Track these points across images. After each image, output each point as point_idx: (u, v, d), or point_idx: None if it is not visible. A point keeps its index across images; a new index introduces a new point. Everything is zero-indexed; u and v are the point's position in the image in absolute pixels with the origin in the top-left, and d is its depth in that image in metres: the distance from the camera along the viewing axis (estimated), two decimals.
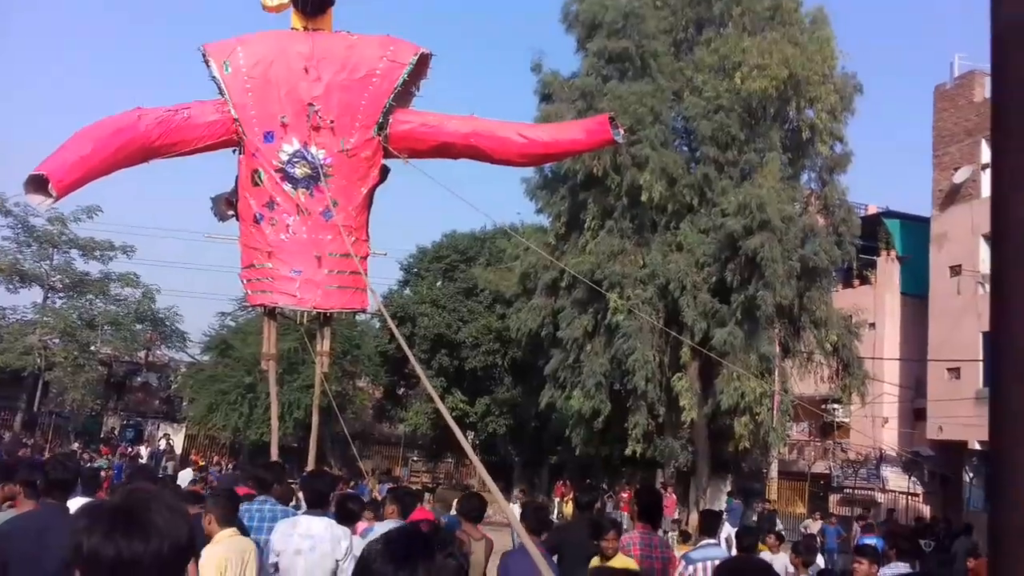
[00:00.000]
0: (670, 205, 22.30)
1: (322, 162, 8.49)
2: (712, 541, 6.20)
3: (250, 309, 22.56)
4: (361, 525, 7.75)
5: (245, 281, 8.95)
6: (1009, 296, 0.88)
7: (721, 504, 22.95)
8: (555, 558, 6.07)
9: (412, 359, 6.76)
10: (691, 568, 6.19)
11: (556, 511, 23.87)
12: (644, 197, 21.54)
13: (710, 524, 6.30)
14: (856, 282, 29.68)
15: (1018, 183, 0.88)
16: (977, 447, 23.64)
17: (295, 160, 8.45)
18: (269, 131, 8.25)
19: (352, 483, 17.34)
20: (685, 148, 24.54)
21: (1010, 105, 0.91)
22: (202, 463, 28.86)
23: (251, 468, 6.55)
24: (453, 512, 11.92)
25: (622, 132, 8.75)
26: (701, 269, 21.57)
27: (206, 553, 4.91)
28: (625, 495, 24.08)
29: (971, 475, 24.09)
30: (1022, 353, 0.86)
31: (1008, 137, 0.91)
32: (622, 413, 22.12)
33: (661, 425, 22.64)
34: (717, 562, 6.19)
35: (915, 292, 27.32)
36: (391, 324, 7.34)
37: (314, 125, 8.29)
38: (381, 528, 6.14)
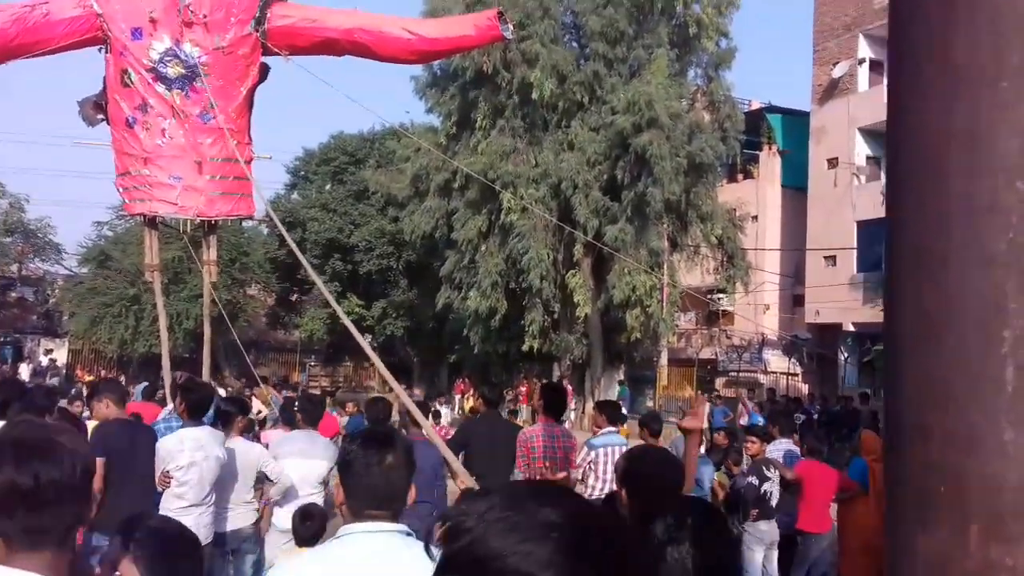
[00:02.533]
0: (561, 103, 22.25)
1: (197, 60, 8.05)
2: (613, 429, 6.48)
3: (128, 218, 21.61)
4: (275, 434, 7.75)
5: (121, 189, 8.53)
6: (900, 184, 0.91)
7: (614, 393, 23.89)
8: (462, 455, 6.23)
9: (304, 262, 6.67)
10: (593, 454, 6.47)
11: (457, 408, 24.36)
12: (535, 95, 21.39)
13: (611, 413, 6.58)
14: (740, 176, 30.55)
15: (913, 77, 0.89)
16: (851, 328, 25.19)
17: (167, 59, 7.98)
18: (137, 27, 7.75)
19: (250, 392, 17.13)
20: (575, 44, 24.33)
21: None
22: (88, 378, 27.99)
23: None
24: (353, 412, 12.01)
25: (511, 28, 8.56)
26: (592, 167, 21.74)
27: None
28: (524, 389, 24.74)
29: (845, 355, 25.72)
30: (913, 248, 0.89)
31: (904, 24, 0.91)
32: (518, 310, 22.48)
33: (556, 321, 23.15)
34: (618, 448, 6.51)
35: (795, 185, 28.35)
36: (281, 228, 7.18)
37: (185, 21, 7.83)
38: (295, 436, 6.14)
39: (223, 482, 5.47)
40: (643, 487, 2.51)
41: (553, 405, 6.13)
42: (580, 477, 6.55)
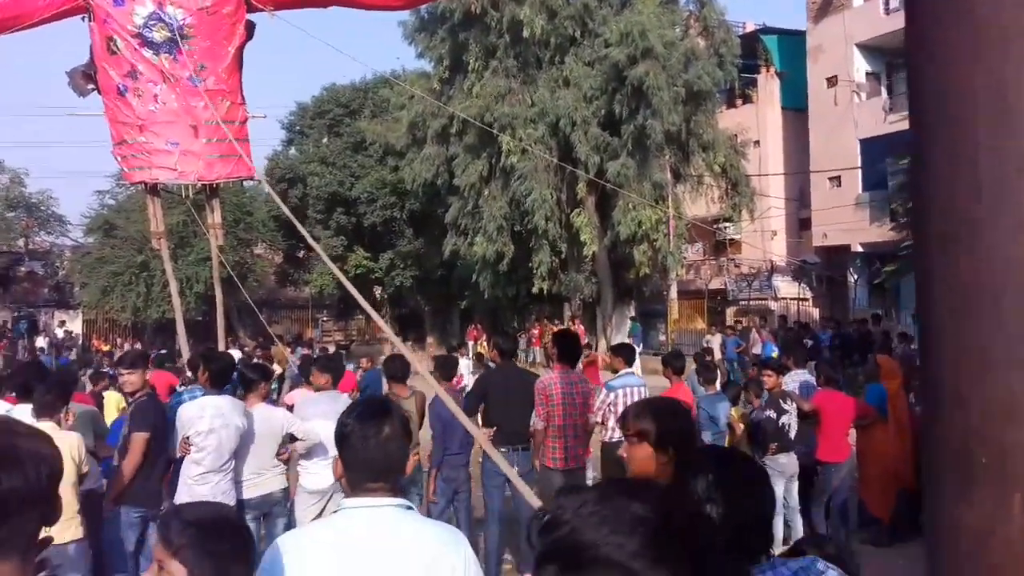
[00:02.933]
0: (553, 39, 21.86)
1: (181, 23, 7.91)
2: (630, 370, 6.59)
3: (129, 186, 21.52)
4: (298, 394, 7.81)
5: (119, 158, 8.44)
6: (926, 149, 0.87)
7: (626, 330, 23.98)
8: (480, 406, 6.30)
9: (295, 223, 6.61)
10: (612, 395, 6.59)
11: (471, 353, 24.47)
12: (526, 32, 21.02)
13: (627, 355, 6.69)
14: (739, 101, 30.13)
15: None
16: (859, 249, 25.08)
17: (151, 23, 7.84)
18: None
19: (265, 352, 17.26)
20: None
21: None
22: (106, 348, 28.22)
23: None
24: (368, 367, 12.09)
25: None
26: (589, 103, 21.46)
27: None
28: (536, 331, 24.84)
29: (855, 276, 25.66)
30: (943, 215, 0.86)
31: None
32: (525, 253, 22.44)
33: (564, 261, 23.12)
34: (635, 389, 6.60)
35: (795, 106, 27.94)
36: (272, 192, 7.13)
37: None
38: (320, 398, 6.16)
39: (248, 449, 5.54)
40: (677, 443, 2.50)
41: (567, 352, 6.16)
42: (600, 420, 6.63)
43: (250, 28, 8.39)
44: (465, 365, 10.45)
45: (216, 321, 9.78)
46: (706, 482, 1.88)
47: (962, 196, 0.82)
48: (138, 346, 28.86)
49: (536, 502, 2.54)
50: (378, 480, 2.15)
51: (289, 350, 18.59)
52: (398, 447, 2.20)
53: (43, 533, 1.48)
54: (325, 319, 38.22)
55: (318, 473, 5.83)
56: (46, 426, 4.97)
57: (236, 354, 15.21)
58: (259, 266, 33.46)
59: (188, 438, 5.34)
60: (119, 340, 30.96)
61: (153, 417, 5.57)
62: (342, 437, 2.21)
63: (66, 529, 4.80)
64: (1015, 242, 0.79)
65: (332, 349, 28.06)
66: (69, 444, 4.88)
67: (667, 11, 21.91)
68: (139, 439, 5.41)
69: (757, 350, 19.18)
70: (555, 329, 24.02)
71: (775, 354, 15.41)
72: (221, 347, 9.84)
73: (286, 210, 6.00)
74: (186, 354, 9.32)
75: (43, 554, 1.46)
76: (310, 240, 5.81)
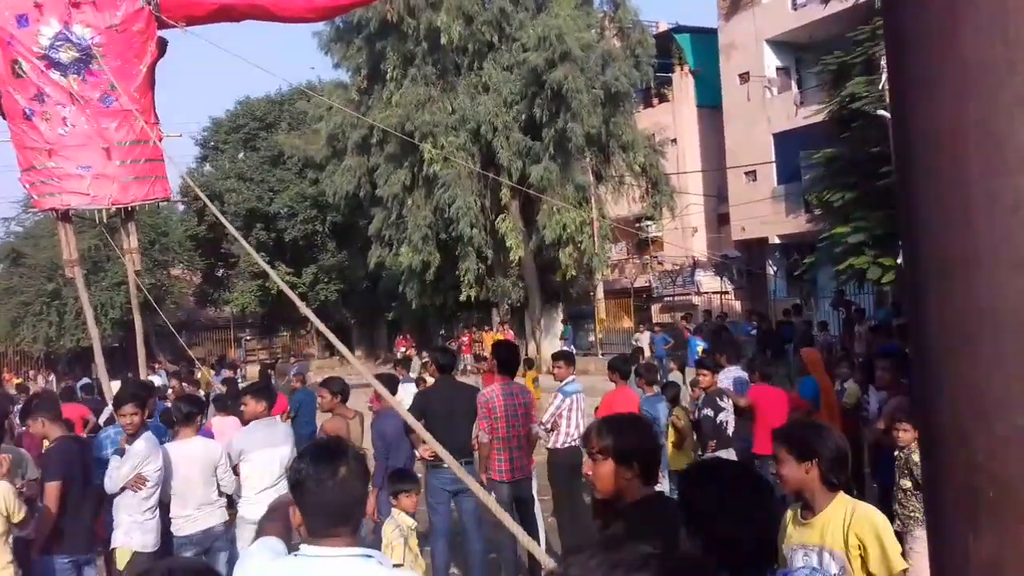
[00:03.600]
0: (471, 45, 21.87)
1: (90, 42, 7.65)
2: (573, 376, 6.71)
3: (37, 212, 20.70)
4: (222, 423, 7.58)
5: (28, 185, 8.11)
6: (914, 188, 0.87)
7: (555, 331, 24.12)
8: (421, 422, 6.23)
9: (233, 231, 6.45)
10: (568, 400, 6.69)
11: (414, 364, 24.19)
12: (444, 39, 20.98)
13: (570, 361, 6.83)
14: (655, 101, 30.66)
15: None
16: (777, 241, 25.77)
17: (58, 43, 7.57)
18: (22, 14, 7.31)
19: (191, 374, 16.79)
20: None
21: None
22: (17, 381, 27.04)
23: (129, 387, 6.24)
24: (299, 386, 11.85)
25: None
26: (510, 108, 21.54)
27: None
28: (465, 339, 24.78)
29: (774, 268, 26.34)
30: (936, 255, 0.86)
31: None
32: (452, 261, 22.37)
33: (491, 267, 23.12)
34: (580, 395, 6.76)
35: (710, 103, 28.55)
36: (203, 198, 6.92)
37: (72, 2, 7.42)
38: (256, 426, 5.96)
39: (189, 483, 5.39)
40: (640, 458, 2.54)
41: (507, 364, 6.16)
42: (550, 427, 6.66)
43: (162, 45, 8.19)
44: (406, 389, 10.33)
45: (135, 347, 9.46)
46: (714, 498, 1.89)
47: (955, 235, 0.83)
48: (52, 378, 27.78)
49: (506, 519, 2.52)
50: (338, 524, 2.07)
51: (212, 373, 18.12)
52: (356, 487, 2.12)
53: None
54: (248, 338, 37.39)
55: (259, 503, 5.68)
56: None
57: (159, 380, 14.77)
58: (177, 288, 32.59)
59: (142, 474, 5.18)
60: (31, 372, 29.68)
61: (64, 463, 5.24)
62: (296, 483, 2.11)
63: None
64: (1012, 279, 0.79)
65: (257, 369, 27.50)
66: (1, 494, 4.67)
67: (582, 13, 22.15)
68: (51, 489, 5.12)
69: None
70: (486, 335, 24.09)
71: (701, 349, 15.71)
72: (142, 374, 9.52)
73: (218, 215, 5.80)
74: (105, 383, 9.02)
75: None
76: (244, 243, 5.66)
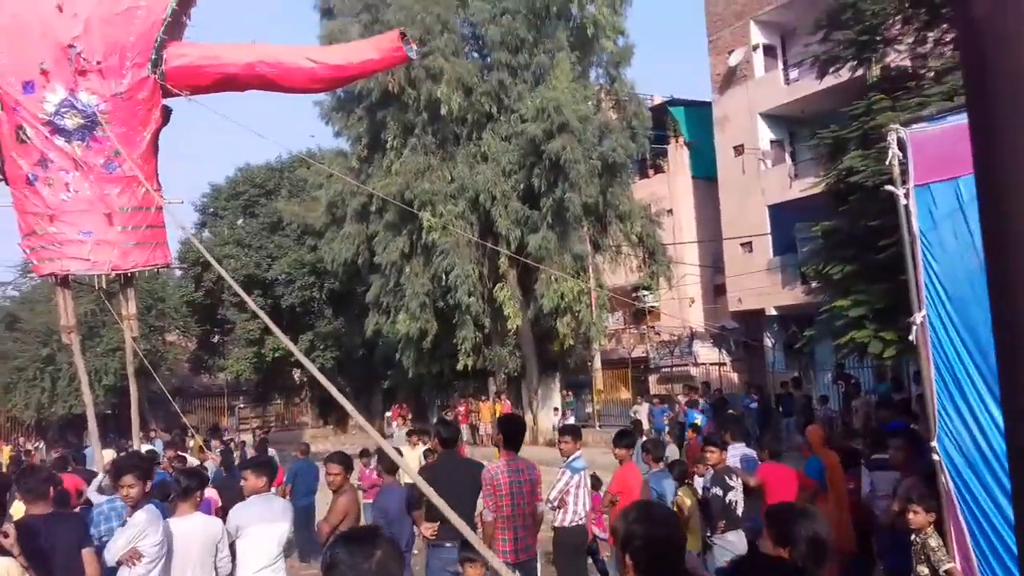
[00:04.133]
0: (470, 115, 22.17)
1: (95, 109, 7.68)
2: (580, 452, 6.60)
3: (33, 276, 20.62)
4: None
5: (28, 250, 8.07)
6: (1005, 219, 0.80)
7: (554, 401, 23.88)
8: (423, 499, 6.06)
9: (240, 291, 6.34)
10: (576, 477, 6.53)
11: (395, 435, 23.95)
12: (444, 110, 21.26)
13: (577, 436, 6.71)
14: (651, 172, 30.97)
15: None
16: (773, 312, 25.72)
17: (63, 110, 7.60)
18: (28, 81, 7.34)
19: (185, 441, 16.50)
20: (476, 55, 24.32)
21: None
22: (8, 449, 26.56)
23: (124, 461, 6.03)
24: (300, 457, 11.63)
25: (415, 48, 8.40)
26: (508, 177, 21.72)
27: None
28: (462, 409, 24.52)
29: (771, 340, 26.25)
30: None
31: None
32: (449, 329, 22.26)
33: (488, 336, 23.02)
34: (587, 472, 6.60)
35: (705, 175, 28.82)
36: (209, 257, 6.81)
37: (79, 69, 7.45)
38: (253, 501, 5.76)
39: (186, 562, 5.17)
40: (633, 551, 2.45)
41: (512, 438, 6.00)
42: (557, 504, 6.47)
43: (166, 113, 8.24)
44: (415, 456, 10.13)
45: (128, 414, 9.29)
46: None
47: None
48: (41, 445, 27.32)
49: None
50: None
51: (208, 450, 17.81)
52: (395, 571, 2.07)
53: None
54: (242, 406, 37.01)
55: None
56: None
57: (156, 447, 14.49)
58: (172, 354, 32.33)
59: (138, 548, 4.96)
60: (21, 439, 29.20)
61: (31, 542, 4.80)
62: (330, 568, 2.05)
63: None
64: None
65: (250, 437, 27.06)
66: (4, 568, 4.45)
67: (580, 86, 22.50)
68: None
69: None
70: (483, 406, 23.83)
71: (698, 420, 15.53)
72: (135, 443, 9.32)
73: (225, 274, 5.73)
74: (97, 451, 8.83)
75: None
76: (250, 303, 5.51)
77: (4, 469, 17.33)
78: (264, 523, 5.54)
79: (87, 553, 5.05)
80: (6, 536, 4.63)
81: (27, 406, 28.66)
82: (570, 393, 24.17)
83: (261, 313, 4.49)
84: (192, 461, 11.54)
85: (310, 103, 29.45)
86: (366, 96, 22.52)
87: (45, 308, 24.20)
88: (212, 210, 33.84)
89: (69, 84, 7.53)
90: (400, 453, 9.01)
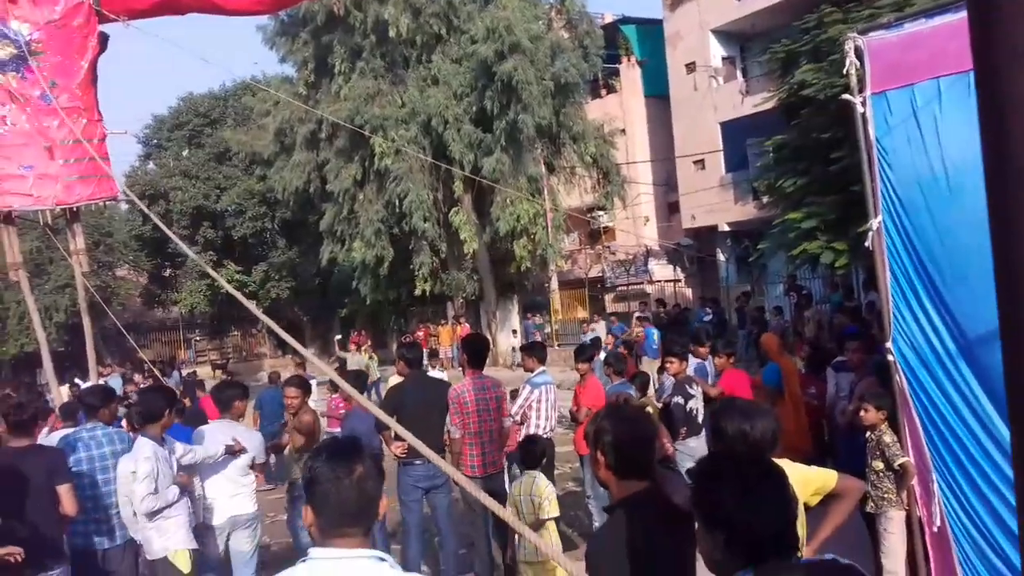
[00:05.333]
0: (419, 37, 21.69)
1: (27, 38, 7.36)
2: (543, 368, 6.67)
3: None
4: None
5: None
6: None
7: (513, 323, 24.09)
8: (395, 418, 6.13)
9: (170, 234, 6.25)
10: (536, 392, 6.64)
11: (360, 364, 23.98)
12: (392, 32, 20.77)
13: (540, 355, 6.80)
14: (604, 91, 30.70)
15: None
16: (726, 228, 26.03)
17: None
18: None
19: (144, 376, 16.41)
20: None
21: None
22: None
23: (84, 395, 6.09)
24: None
25: None
26: (460, 100, 21.40)
27: None
28: (420, 333, 24.62)
29: (724, 255, 26.62)
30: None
31: None
32: (405, 255, 22.20)
33: (444, 260, 23.00)
34: (551, 386, 6.72)
35: (658, 93, 28.67)
36: (141, 205, 6.71)
37: None
38: (216, 428, 5.86)
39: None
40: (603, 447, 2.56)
41: (476, 356, 6.09)
42: (519, 419, 6.59)
43: (103, 40, 7.91)
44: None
45: (84, 351, 9.18)
46: (731, 492, 1.84)
47: None
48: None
49: (500, 511, 2.44)
50: (351, 525, 2.03)
51: (165, 377, 17.71)
52: (372, 487, 2.06)
53: None
54: (198, 339, 36.68)
55: (218, 510, 5.63)
56: None
57: (117, 382, 14.38)
58: (123, 289, 31.80)
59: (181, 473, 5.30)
60: None
61: None
62: (310, 481, 2.06)
63: None
64: None
65: (208, 370, 26.97)
66: None
67: (530, 5, 22.10)
68: None
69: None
70: (442, 330, 23.95)
71: (656, 337, 15.80)
72: (92, 378, 9.24)
73: (156, 219, 5.63)
74: (54, 388, 8.75)
75: None
76: (181, 244, 5.47)
77: None
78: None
79: (63, 489, 5.04)
80: None
81: None
82: (536, 316, 24.31)
83: (184, 247, 4.43)
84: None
85: (252, 28, 28.56)
86: (311, 19, 21.89)
87: None
88: (156, 142, 32.91)
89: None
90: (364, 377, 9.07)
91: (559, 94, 21.92)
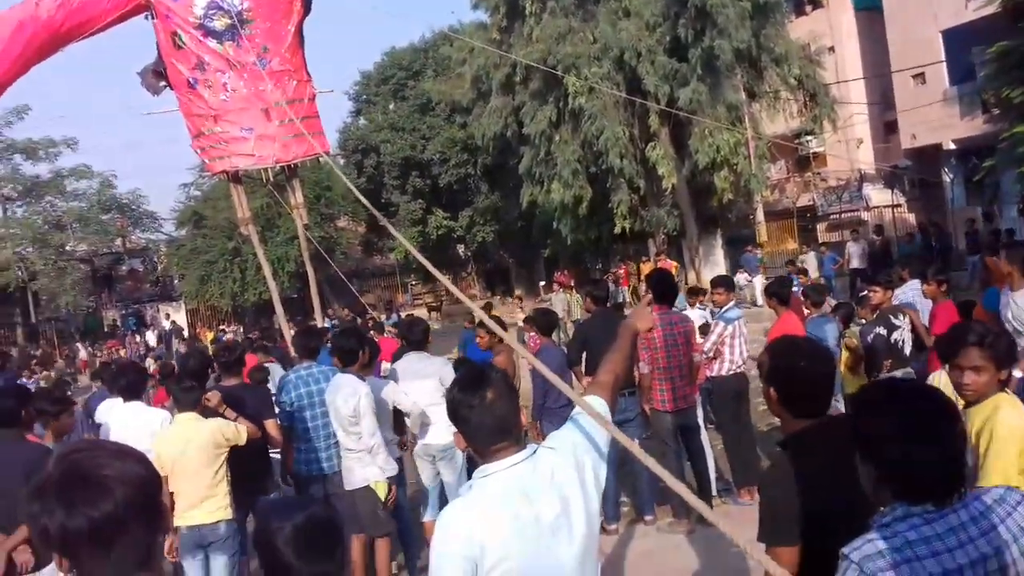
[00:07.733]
0: None
1: (239, 8, 7.95)
2: (734, 303, 6.57)
3: (211, 176, 22.09)
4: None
5: (199, 151, 8.60)
6: None
7: (717, 259, 23.54)
8: (584, 353, 6.28)
9: (361, 199, 6.60)
10: (730, 327, 6.55)
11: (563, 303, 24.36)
12: None
13: (730, 287, 6.71)
14: (808, 8, 28.83)
15: None
16: (952, 146, 23.89)
17: (211, 12, 7.90)
18: None
19: (368, 319, 17.67)
20: None
21: None
22: (211, 335, 29.32)
23: (299, 339, 6.80)
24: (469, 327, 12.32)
25: None
26: (653, 31, 20.83)
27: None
28: (622, 271, 24.62)
29: (950, 175, 24.50)
30: None
31: None
32: (604, 194, 22.13)
33: (643, 197, 22.73)
34: (742, 321, 6.61)
35: (868, 5, 26.55)
36: (338, 172, 7.15)
37: None
38: (407, 359, 6.31)
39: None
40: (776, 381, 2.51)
41: (663, 293, 6.07)
42: (712, 354, 6.53)
43: (307, 3, 8.39)
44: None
45: (310, 297, 9.99)
46: (887, 421, 1.76)
47: None
48: (239, 329, 29.89)
49: (640, 454, 2.47)
50: (501, 441, 2.25)
51: (384, 318, 18.93)
52: (505, 406, 2.27)
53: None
54: (414, 283, 38.75)
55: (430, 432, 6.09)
56: (188, 416, 5.17)
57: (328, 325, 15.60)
58: (344, 238, 34.08)
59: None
60: (223, 326, 32.13)
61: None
62: (453, 412, 2.32)
63: (215, 511, 5.04)
64: None
65: (424, 312, 28.43)
66: (210, 429, 5.08)
67: None
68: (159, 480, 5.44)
69: (855, 264, 18.60)
70: (644, 267, 23.80)
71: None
72: (319, 322, 10.10)
73: (347, 182, 6.05)
74: (286, 331, 9.56)
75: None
76: (370, 208, 5.79)
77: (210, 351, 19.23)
78: (415, 377, 6.12)
79: (270, 423, 5.66)
80: (209, 401, 5.27)
81: (222, 295, 31.30)
82: (757, 248, 23.28)
83: (364, 200, 4.66)
84: None
85: None
86: None
87: (225, 205, 25.91)
88: (365, 97, 34.62)
89: None
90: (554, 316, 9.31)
91: (758, 15, 20.76)
